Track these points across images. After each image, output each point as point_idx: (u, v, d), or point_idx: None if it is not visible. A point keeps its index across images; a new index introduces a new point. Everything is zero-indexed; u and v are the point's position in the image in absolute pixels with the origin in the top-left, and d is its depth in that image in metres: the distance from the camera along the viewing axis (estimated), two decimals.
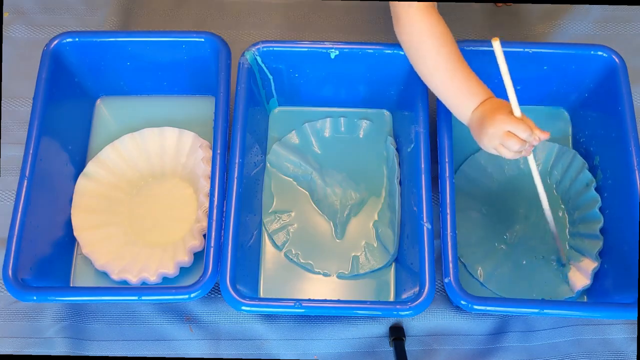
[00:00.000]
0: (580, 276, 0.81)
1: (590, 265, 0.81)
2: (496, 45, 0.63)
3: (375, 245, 0.84)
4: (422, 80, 0.79)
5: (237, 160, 0.77)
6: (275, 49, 0.82)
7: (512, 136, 0.67)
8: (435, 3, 0.74)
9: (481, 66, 0.75)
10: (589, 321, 0.83)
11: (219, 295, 0.83)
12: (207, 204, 0.79)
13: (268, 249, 0.85)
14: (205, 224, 0.80)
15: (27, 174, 0.76)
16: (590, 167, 0.86)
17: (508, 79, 0.65)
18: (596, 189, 0.84)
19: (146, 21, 1.01)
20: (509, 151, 0.69)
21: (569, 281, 0.81)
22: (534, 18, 1.01)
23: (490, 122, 0.69)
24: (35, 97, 0.80)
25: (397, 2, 0.73)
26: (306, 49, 0.83)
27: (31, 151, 0.77)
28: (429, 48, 0.73)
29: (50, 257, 0.79)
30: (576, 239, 0.84)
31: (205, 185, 0.81)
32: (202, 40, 0.84)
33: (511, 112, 0.68)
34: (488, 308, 0.71)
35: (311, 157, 0.90)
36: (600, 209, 0.83)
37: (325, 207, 0.86)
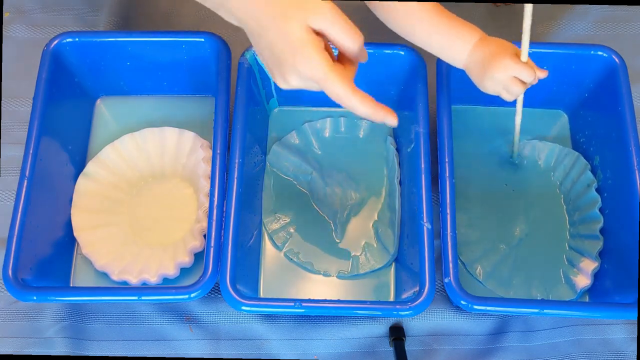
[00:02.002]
0: (580, 276, 0.81)
1: (590, 265, 0.81)
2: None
3: (375, 245, 0.84)
4: (422, 80, 0.79)
5: (237, 160, 0.77)
6: None
7: (517, 82, 0.67)
8: None
9: None
10: (589, 321, 0.83)
11: (219, 295, 0.83)
12: (207, 204, 0.79)
13: (268, 249, 0.85)
14: (205, 224, 0.80)
15: (27, 174, 0.76)
16: (590, 167, 0.86)
17: (528, 14, 0.65)
18: (596, 190, 0.84)
19: (147, 21, 1.01)
20: (510, 95, 0.69)
21: (570, 281, 0.81)
22: (534, 18, 1.00)
23: (496, 66, 0.68)
24: (35, 97, 0.80)
25: None
26: None
27: (31, 151, 0.77)
28: (408, 5, 0.70)
29: (50, 257, 0.79)
30: (576, 239, 0.84)
31: (206, 185, 0.81)
32: (202, 40, 0.84)
33: (515, 55, 0.67)
34: (488, 308, 0.71)
35: (311, 157, 0.90)
36: (600, 210, 0.83)
37: (325, 207, 0.86)
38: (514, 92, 0.68)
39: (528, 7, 0.65)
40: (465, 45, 0.70)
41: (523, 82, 0.68)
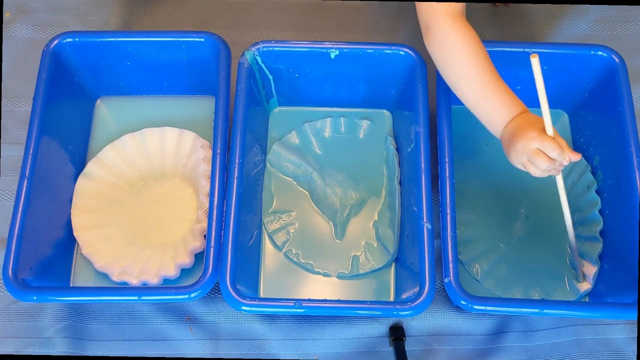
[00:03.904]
0: (583, 275, 0.81)
1: (591, 269, 0.81)
2: (535, 62, 0.62)
3: (375, 245, 0.84)
4: (422, 80, 0.79)
5: (237, 160, 0.77)
6: (275, 49, 0.82)
7: (540, 154, 0.66)
8: (464, 11, 0.72)
9: None
10: (589, 321, 0.83)
11: (219, 295, 0.83)
12: (207, 204, 0.79)
13: (268, 249, 0.85)
14: (206, 224, 0.80)
15: (27, 174, 0.76)
16: (590, 168, 0.86)
17: (543, 96, 0.64)
18: (596, 190, 0.84)
19: (147, 21, 1.01)
20: (536, 169, 0.68)
21: (572, 284, 0.81)
22: (534, 18, 1.01)
23: (520, 138, 0.67)
24: (35, 97, 0.80)
25: (427, 13, 0.71)
26: (306, 49, 0.83)
27: (31, 151, 0.77)
28: (459, 57, 0.70)
29: (50, 257, 0.79)
30: (577, 241, 0.83)
31: (206, 186, 0.81)
32: (202, 40, 0.84)
33: (543, 130, 0.66)
34: (488, 308, 0.71)
35: (311, 157, 0.90)
36: (600, 210, 0.83)
37: (325, 207, 0.86)
38: (538, 165, 0.66)
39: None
40: (505, 117, 0.70)
41: (550, 158, 0.66)
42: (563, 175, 0.86)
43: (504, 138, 0.70)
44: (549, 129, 0.66)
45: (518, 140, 0.67)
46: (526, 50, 0.82)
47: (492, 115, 0.71)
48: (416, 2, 0.73)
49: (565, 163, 0.67)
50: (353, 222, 0.86)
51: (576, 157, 0.66)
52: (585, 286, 0.81)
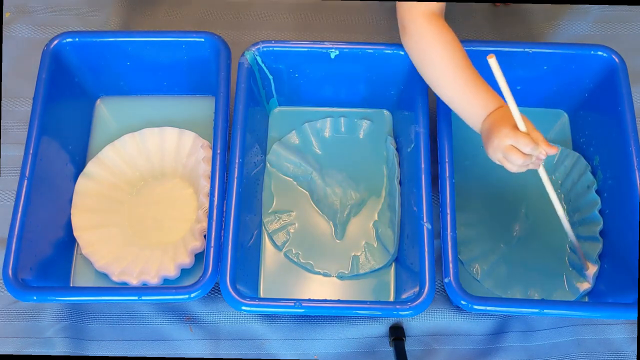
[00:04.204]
0: (582, 280, 0.81)
1: (591, 269, 0.81)
2: (492, 62, 0.61)
3: (375, 245, 0.84)
4: (422, 80, 0.79)
5: (237, 160, 0.77)
6: (275, 49, 0.82)
7: (514, 150, 0.66)
8: (443, 11, 0.73)
9: (480, 66, 0.75)
10: (589, 321, 0.83)
11: (219, 295, 0.83)
12: (207, 204, 0.79)
13: (268, 249, 0.85)
14: (205, 224, 0.80)
15: (27, 174, 0.76)
16: (590, 167, 0.86)
17: (508, 94, 0.64)
18: (596, 190, 0.84)
19: (148, 21, 1.01)
20: (512, 165, 0.68)
21: (572, 285, 0.81)
22: (534, 18, 1.01)
23: (494, 135, 0.68)
24: (35, 97, 0.80)
25: (403, 12, 0.72)
26: (306, 49, 0.83)
27: (31, 151, 0.77)
28: (436, 57, 0.71)
29: (50, 257, 0.79)
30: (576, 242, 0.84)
31: (206, 186, 0.81)
32: (202, 40, 0.84)
33: (516, 126, 0.66)
34: (488, 308, 0.71)
35: (311, 157, 0.90)
36: (600, 210, 0.83)
37: (325, 207, 0.86)
38: (513, 161, 0.67)
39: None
40: (483, 113, 0.70)
41: (524, 154, 0.66)
42: (563, 175, 0.87)
43: (483, 134, 0.71)
44: (521, 125, 0.66)
45: (493, 137, 0.68)
46: (526, 50, 0.82)
47: (471, 111, 0.71)
48: (396, 1, 0.73)
49: (542, 157, 0.67)
50: (353, 222, 0.86)
51: (552, 150, 0.66)
52: (585, 286, 0.81)
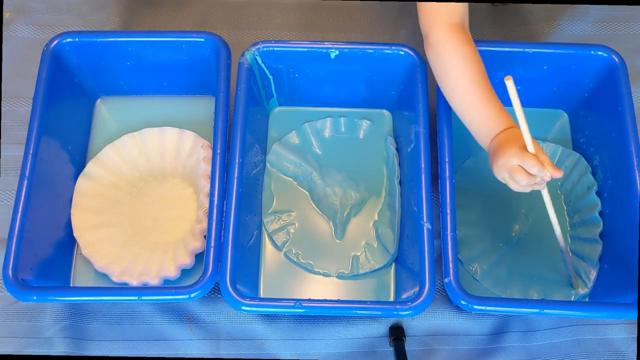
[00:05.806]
0: (580, 282, 0.81)
1: (591, 273, 0.81)
2: (509, 84, 0.61)
3: (375, 245, 0.84)
4: (422, 80, 0.79)
5: (237, 160, 0.77)
6: (275, 49, 0.82)
7: (520, 170, 0.66)
8: (465, 23, 0.72)
9: None
10: (589, 321, 0.83)
11: (219, 295, 0.83)
12: (207, 204, 0.79)
13: (268, 249, 0.85)
14: (205, 224, 0.80)
15: (27, 174, 0.76)
16: (591, 168, 0.86)
17: (521, 114, 0.63)
18: (596, 192, 0.84)
19: (148, 21, 1.01)
20: (516, 184, 0.68)
21: (572, 285, 0.81)
22: (534, 18, 1.01)
23: (501, 153, 0.68)
24: (35, 97, 0.80)
25: (425, 22, 0.72)
26: (306, 49, 0.83)
27: (31, 151, 0.77)
28: (453, 70, 0.71)
29: (50, 257, 0.79)
30: (576, 242, 0.84)
31: (206, 186, 0.81)
32: (202, 40, 0.84)
33: (525, 146, 0.66)
34: (488, 308, 0.71)
35: (311, 157, 0.90)
36: (600, 211, 0.83)
37: (325, 207, 0.86)
38: (518, 181, 0.67)
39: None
40: (492, 132, 0.70)
41: (529, 174, 0.66)
42: (563, 176, 0.87)
43: (490, 152, 0.71)
44: (530, 147, 0.66)
45: (500, 156, 0.68)
46: (526, 50, 0.82)
47: (480, 128, 0.72)
48: (418, 10, 0.73)
49: (547, 179, 0.67)
50: (353, 222, 0.86)
51: (558, 174, 0.66)
52: (584, 288, 0.81)
